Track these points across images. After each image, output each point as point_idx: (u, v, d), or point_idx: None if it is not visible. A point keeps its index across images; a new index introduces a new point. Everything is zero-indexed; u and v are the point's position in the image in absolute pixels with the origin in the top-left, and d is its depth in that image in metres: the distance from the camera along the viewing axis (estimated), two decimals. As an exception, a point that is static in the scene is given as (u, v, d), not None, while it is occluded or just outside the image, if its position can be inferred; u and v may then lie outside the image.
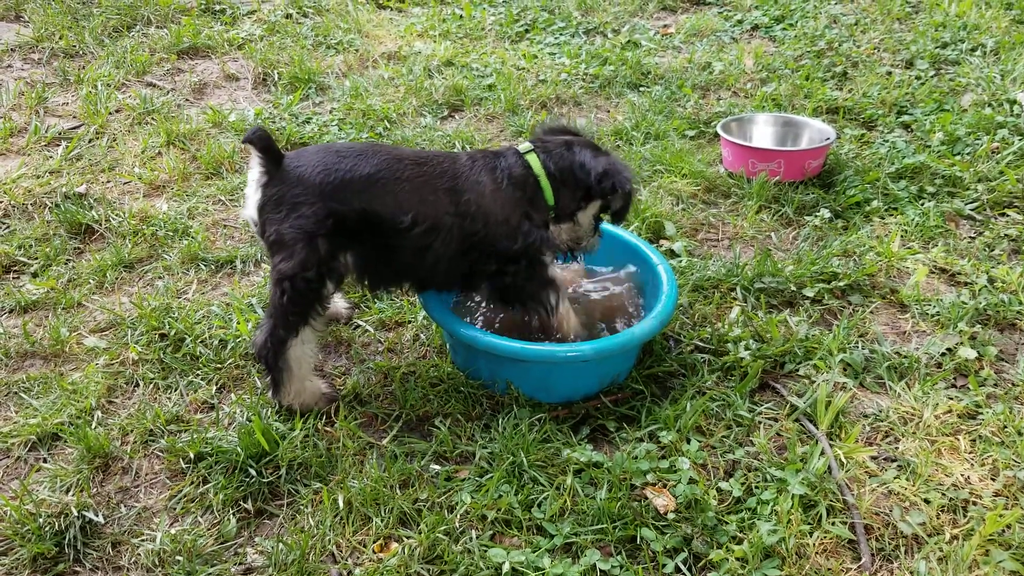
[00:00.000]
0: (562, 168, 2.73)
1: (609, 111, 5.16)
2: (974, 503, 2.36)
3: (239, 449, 2.51)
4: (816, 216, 3.85)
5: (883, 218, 3.86)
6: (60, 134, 4.65)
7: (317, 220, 2.49)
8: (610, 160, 2.75)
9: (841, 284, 3.34)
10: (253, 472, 2.47)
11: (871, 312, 3.22)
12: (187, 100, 5.24)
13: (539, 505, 2.36)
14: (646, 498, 2.36)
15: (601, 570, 2.16)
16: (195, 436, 2.60)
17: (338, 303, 3.21)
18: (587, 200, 2.80)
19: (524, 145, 2.77)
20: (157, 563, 2.23)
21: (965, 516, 2.32)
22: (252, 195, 2.57)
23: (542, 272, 2.77)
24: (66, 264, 3.59)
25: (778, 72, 5.48)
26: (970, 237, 3.73)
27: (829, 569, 2.18)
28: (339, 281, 2.66)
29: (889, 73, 5.39)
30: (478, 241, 2.67)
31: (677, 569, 2.18)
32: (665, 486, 2.40)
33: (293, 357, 2.60)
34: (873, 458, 2.54)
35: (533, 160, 2.72)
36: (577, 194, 2.77)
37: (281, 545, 2.24)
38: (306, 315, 2.57)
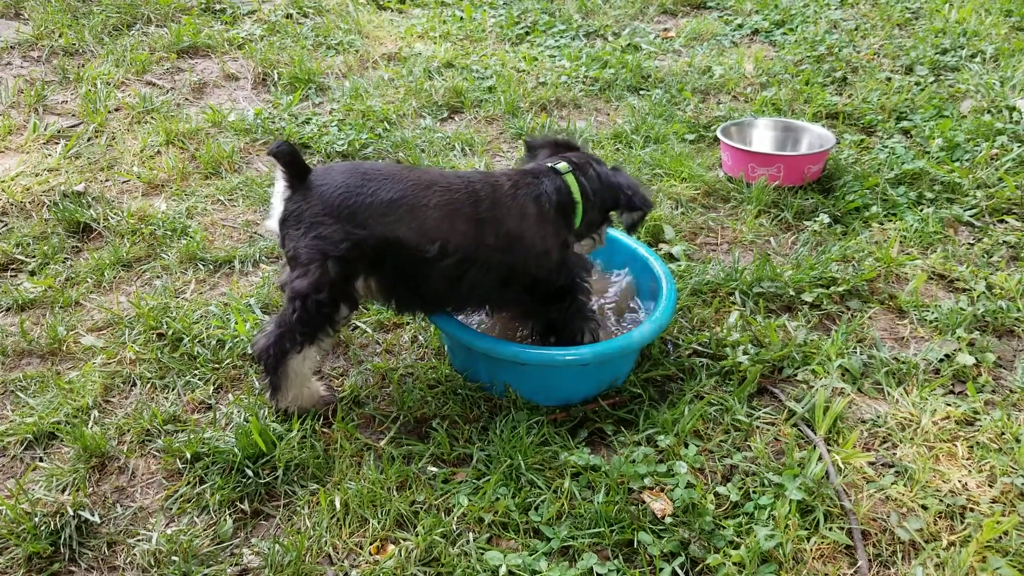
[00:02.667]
0: (595, 189, 2.74)
1: (609, 114, 5.16)
2: (971, 509, 2.36)
3: (236, 450, 2.50)
4: (815, 221, 3.85)
5: (882, 224, 3.86)
6: (59, 132, 4.64)
7: (333, 242, 2.43)
8: (627, 176, 2.81)
9: (840, 289, 3.34)
10: (250, 473, 2.46)
11: (870, 318, 3.22)
12: (187, 99, 5.24)
13: (536, 508, 2.36)
14: (643, 502, 2.36)
15: (598, 574, 2.15)
16: (192, 436, 2.59)
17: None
18: (606, 216, 2.86)
19: (562, 165, 2.73)
20: (153, 563, 2.22)
21: (962, 522, 2.32)
22: (276, 207, 2.56)
23: (585, 307, 2.79)
24: (64, 263, 3.58)
25: (778, 77, 5.48)
26: (969, 243, 3.73)
27: (826, 574, 2.18)
28: (354, 305, 2.59)
29: (889, 79, 5.40)
30: (520, 273, 2.66)
31: (674, 573, 2.18)
32: (662, 490, 2.40)
33: (293, 368, 2.58)
34: (871, 464, 2.54)
35: (572, 183, 2.69)
36: (603, 213, 2.82)
37: (277, 546, 2.23)
38: (314, 335, 2.54)
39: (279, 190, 2.55)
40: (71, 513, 2.32)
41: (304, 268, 2.45)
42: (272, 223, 2.59)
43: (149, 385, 2.88)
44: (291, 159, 2.47)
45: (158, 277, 3.49)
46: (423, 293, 2.63)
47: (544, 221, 2.64)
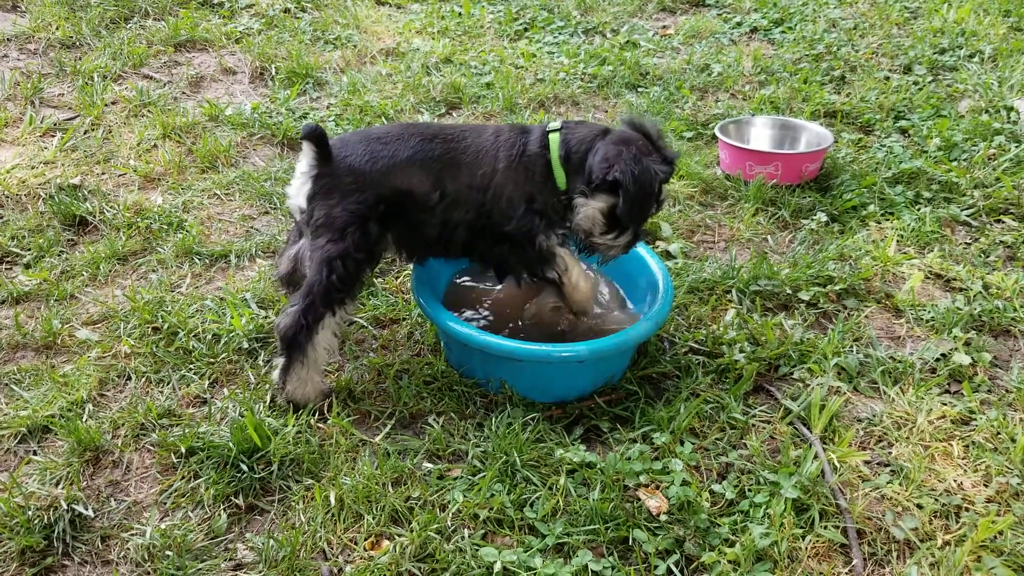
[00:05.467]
0: (578, 152, 2.67)
1: (607, 111, 5.15)
2: (967, 509, 2.36)
3: (231, 444, 2.49)
4: (813, 219, 3.85)
5: (879, 223, 3.86)
6: (55, 125, 4.62)
7: (369, 205, 2.62)
8: (621, 151, 2.59)
9: (837, 288, 3.34)
10: (245, 467, 2.46)
11: (866, 316, 3.22)
12: (184, 93, 5.22)
13: (531, 505, 2.36)
14: (639, 499, 2.36)
15: (593, 571, 2.15)
16: (187, 430, 2.59)
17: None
18: (593, 191, 2.65)
19: (553, 124, 2.77)
20: (147, 558, 2.21)
21: (957, 522, 2.32)
22: (301, 186, 2.67)
23: (532, 251, 2.74)
24: (59, 256, 3.57)
25: (776, 75, 5.48)
26: (966, 243, 3.73)
27: (821, 573, 2.18)
28: (376, 264, 2.84)
29: (887, 78, 5.40)
30: (486, 213, 2.72)
31: (669, 571, 2.18)
32: (658, 487, 2.40)
33: (319, 340, 2.65)
34: (866, 462, 2.54)
35: (553, 140, 2.71)
36: (581, 180, 2.67)
37: (272, 541, 2.23)
38: (345, 297, 2.65)
39: (303, 170, 2.67)
40: (65, 507, 2.31)
41: (340, 232, 2.60)
42: (299, 200, 2.69)
43: (144, 379, 2.87)
44: (321, 141, 2.62)
45: (154, 271, 3.48)
46: (421, 237, 2.77)
47: (510, 169, 2.70)
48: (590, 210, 2.69)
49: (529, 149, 2.71)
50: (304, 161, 2.67)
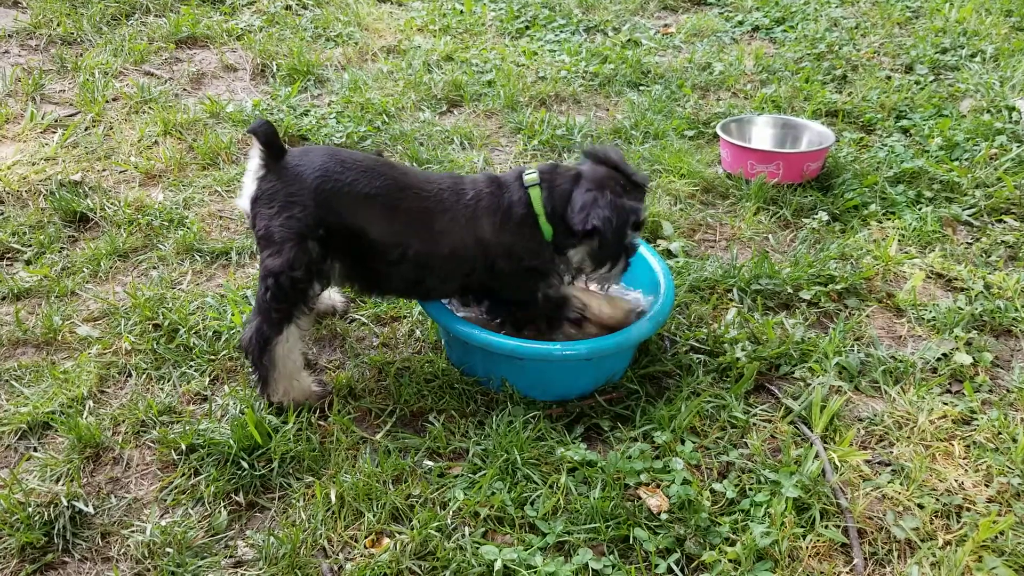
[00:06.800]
0: (560, 205, 2.62)
1: (608, 109, 5.15)
2: (968, 509, 2.36)
3: (231, 441, 2.49)
4: (814, 219, 3.85)
5: (881, 222, 3.86)
6: (56, 121, 4.62)
7: (307, 224, 2.47)
8: (596, 198, 2.55)
9: (838, 287, 3.33)
10: (245, 465, 2.46)
11: (867, 316, 3.22)
12: (185, 90, 5.22)
13: (532, 503, 2.36)
14: (639, 498, 2.36)
15: (593, 569, 2.15)
16: (187, 427, 2.59)
17: (334, 296, 3.20)
18: (579, 239, 2.66)
19: (531, 176, 2.64)
20: (147, 555, 2.21)
21: (958, 522, 2.32)
22: (248, 185, 2.56)
23: (538, 304, 2.74)
24: (60, 252, 3.57)
25: (778, 74, 5.47)
26: (967, 243, 3.73)
27: (822, 572, 2.18)
28: (326, 283, 2.64)
29: (889, 77, 5.39)
30: (477, 281, 2.66)
31: (669, 570, 2.18)
32: (659, 486, 2.40)
33: (279, 355, 2.57)
34: (867, 462, 2.54)
35: (535, 196, 2.62)
36: (568, 231, 2.63)
37: (272, 539, 2.22)
38: (291, 313, 2.54)
39: (253, 168, 2.55)
40: (65, 503, 2.31)
41: (277, 247, 2.46)
42: (243, 202, 2.60)
43: (144, 376, 2.87)
44: (270, 138, 2.48)
45: (154, 268, 3.48)
46: (383, 286, 2.71)
47: (499, 237, 2.61)
48: (579, 255, 2.72)
49: (514, 212, 2.61)
50: (253, 160, 2.54)
